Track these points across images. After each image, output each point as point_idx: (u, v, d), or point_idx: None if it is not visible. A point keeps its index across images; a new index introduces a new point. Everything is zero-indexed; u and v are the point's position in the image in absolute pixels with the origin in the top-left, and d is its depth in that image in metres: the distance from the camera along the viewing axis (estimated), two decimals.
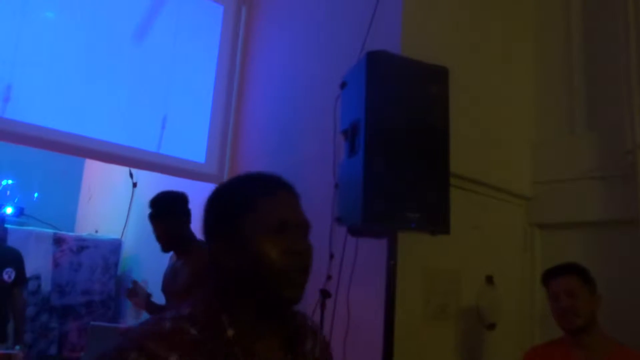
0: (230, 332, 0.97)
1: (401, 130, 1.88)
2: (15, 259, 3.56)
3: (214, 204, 1.08)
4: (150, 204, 2.83)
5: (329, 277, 2.33)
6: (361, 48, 2.38)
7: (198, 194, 3.87)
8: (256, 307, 1.00)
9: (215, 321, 0.97)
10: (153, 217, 2.82)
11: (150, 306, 2.98)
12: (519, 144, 2.97)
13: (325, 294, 2.16)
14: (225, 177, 3.47)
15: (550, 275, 2.11)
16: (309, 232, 1.07)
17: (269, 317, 1.02)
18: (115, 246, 4.22)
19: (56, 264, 4.04)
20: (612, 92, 2.76)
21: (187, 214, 2.83)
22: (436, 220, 1.89)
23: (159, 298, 3.00)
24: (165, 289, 2.87)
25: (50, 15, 3.02)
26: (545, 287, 2.14)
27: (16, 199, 4.83)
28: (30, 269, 3.92)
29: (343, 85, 2.10)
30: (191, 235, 2.84)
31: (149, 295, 3.00)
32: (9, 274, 3.51)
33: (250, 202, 1.02)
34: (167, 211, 2.80)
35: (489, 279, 2.64)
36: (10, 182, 4.87)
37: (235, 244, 1.00)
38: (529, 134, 3.03)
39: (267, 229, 1.00)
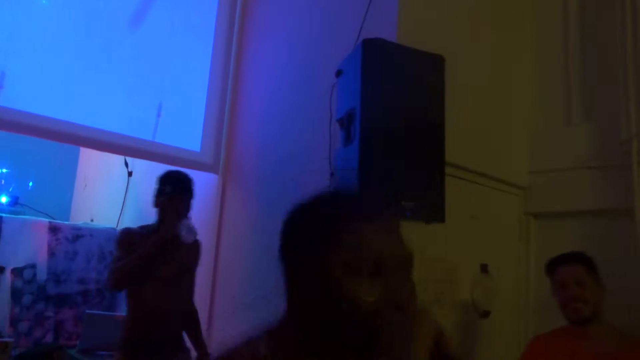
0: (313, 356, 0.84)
1: (397, 118, 1.87)
2: None
3: (292, 223, 0.90)
4: (181, 177, 2.76)
5: None
6: (357, 36, 2.37)
7: (194, 183, 3.87)
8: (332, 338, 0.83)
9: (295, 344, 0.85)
10: (184, 191, 2.75)
11: None
12: (515, 134, 2.97)
13: None
14: (221, 166, 3.46)
15: (556, 264, 2.07)
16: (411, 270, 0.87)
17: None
18: (110, 235, 4.21)
19: (51, 253, 4.03)
20: (608, 82, 2.75)
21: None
22: (431, 209, 1.89)
23: None
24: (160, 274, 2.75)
25: (45, 2, 2.99)
26: (550, 275, 2.09)
27: (11, 188, 4.82)
28: (25, 257, 3.91)
29: (339, 74, 2.09)
30: None
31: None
32: None
33: (332, 234, 0.82)
34: (190, 191, 2.78)
35: (484, 268, 2.64)
36: (4, 170, 4.85)
37: (311, 273, 0.83)
38: (525, 124, 3.02)
39: (355, 269, 0.80)
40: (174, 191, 2.72)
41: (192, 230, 2.71)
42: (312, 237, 0.84)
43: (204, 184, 3.55)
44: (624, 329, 2.10)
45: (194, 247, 2.81)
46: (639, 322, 2.38)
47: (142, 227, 2.74)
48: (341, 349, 0.83)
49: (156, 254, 2.60)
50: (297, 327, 0.86)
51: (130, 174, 4.40)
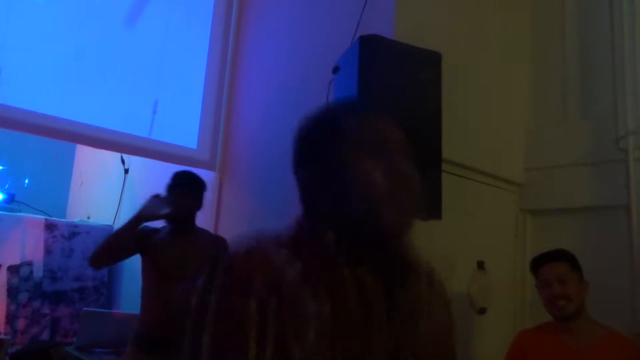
0: (340, 256, 0.85)
1: (394, 115, 1.87)
2: None
3: (302, 134, 0.98)
4: (190, 178, 2.74)
5: None
6: (354, 33, 2.37)
7: None
8: (355, 239, 0.86)
9: (320, 244, 0.86)
10: (194, 190, 2.71)
11: None
12: (511, 131, 2.97)
13: None
14: (217, 164, 3.45)
15: (540, 262, 2.12)
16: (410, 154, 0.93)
17: (370, 249, 0.87)
18: (107, 232, 4.20)
19: (48, 250, 4.02)
20: (604, 80, 2.76)
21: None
22: (428, 206, 1.89)
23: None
24: (178, 269, 2.65)
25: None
26: (534, 273, 2.14)
27: (7, 185, 4.80)
28: (21, 255, 3.90)
29: (336, 70, 2.09)
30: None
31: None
32: None
33: (342, 123, 0.91)
34: (201, 188, 2.73)
35: (480, 265, 2.65)
36: (0, 168, 4.83)
37: (328, 169, 0.89)
38: (521, 121, 3.03)
39: (363, 146, 0.87)
40: (187, 189, 2.70)
41: (160, 204, 2.68)
42: (323, 138, 0.91)
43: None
44: (615, 323, 2.12)
45: (216, 245, 2.68)
46: (634, 317, 2.40)
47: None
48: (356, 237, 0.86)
49: (129, 232, 2.61)
50: (313, 221, 0.90)
51: (126, 171, 4.39)
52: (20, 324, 3.84)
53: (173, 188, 2.71)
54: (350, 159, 0.86)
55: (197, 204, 2.73)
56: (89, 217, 4.72)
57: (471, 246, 2.65)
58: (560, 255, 2.09)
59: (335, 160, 0.88)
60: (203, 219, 3.46)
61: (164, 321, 2.56)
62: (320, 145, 0.91)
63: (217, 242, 2.71)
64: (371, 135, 0.89)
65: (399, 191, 0.85)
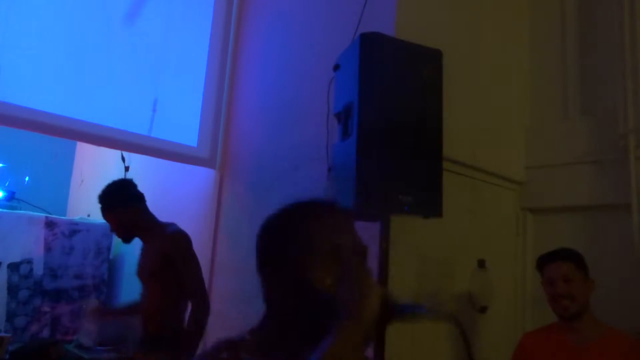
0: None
1: (394, 113, 1.87)
2: None
3: (264, 233, 1.07)
4: (98, 200, 2.77)
5: None
6: (355, 30, 2.36)
7: (190, 178, 3.87)
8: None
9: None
10: (104, 211, 2.75)
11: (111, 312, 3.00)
12: (512, 129, 2.97)
13: None
14: (218, 161, 3.45)
15: (545, 261, 2.12)
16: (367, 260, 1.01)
17: None
18: (107, 230, 4.17)
19: (48, 248, 4.02)
20: (605, 77, 2.75)
21: (138, 198, 2.78)
22: (429, 203, 1.89)
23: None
24: (139, 275, 2.85)
25: None
26: (539, 272, 2.14)
27: (7, 183, 4.79)
28: (22, 252, 3.90)
29: (336, 68, 2.08)
30: (150, 217, 2.80)
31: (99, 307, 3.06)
32: None
33: (297, 228, 1.00)
34: (116, 200, 2.73)
35: (481, 263, 2.65)
36: (0, 165, 4.83)
37: (286, 273, 0.98)
38: (522, 119, 3.02)
39: (318, 255, 0.95)
40: (101, 212, 2.84)
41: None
42: (281, 244, 1.00)
43: (200, 178, 3.54)
44: (617, 322, 2.12)
45: (165, 243, 2.72)
46: (636, 315, 2.39)
47: None
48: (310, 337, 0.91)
49: None
50: (275, 326, 0.99)
51: (127, 168, 4.38)
52: (21, 321, 3.84)
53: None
54: (300, 266, 0.94)
55: (114, 220, 2.77)
56: (89, 215, 4.71)
57: (472, 244, 2.64)
58: (565, 255, 2.09)
59: (289, 267, 0.96)
60: (203, 217, 3.47)
61: (142, 321, 2.78)
62: (279, 251, 0.99)
63: (169, 239, 2.72)
64: (320, 243, 0.96)
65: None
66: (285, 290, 0.97)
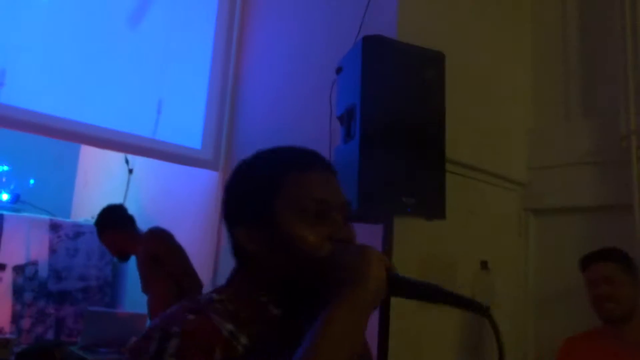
0: (274, 311, 0.88)
1: (397, 115, 1.88)
2: None
3: (235, 186, 0.95)
4: (94, 225, 3.04)
5: None
6: (357, 32, 2.37)
7: (194, 181, 3.88)
8: (294, 294, 0.88)
9: (256, 301, 0.88)
10: (98, 236, 3.01)
11: None
12: (514, 130, 2.97)
13: None
14: (221, 164, 3.46)
15: (588, 261, 2.02)
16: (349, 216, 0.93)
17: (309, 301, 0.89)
18: None
19: (52, 250, 4.04)
20: (607, 79, 2.76)
21: (124, 220, 3.02)
22: (432, 205, 1.90)
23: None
24: (142, 290, 3.03)
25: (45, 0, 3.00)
26: (582, 272, 2.04)
27: (12, 186, 4.81)
28: (26, 255, 3.92)
29: (339, 70, 2.10)
30: (138, 235, 3.00)
31: None
32: None
33: (278, 181, 0.89)
34: (104, 225, 2.99)
35: (484, 264, 2.65)
36: (5, 168, 4.85)
37: (263, 231, 0.88)
38: (524, 120, 3.03)
39: (301, 212, 0.87)
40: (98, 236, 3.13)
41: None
42: (259, 191, 0.90)
43: (204, 181, 3.55)
44: None
45: (148, 240, 2.92)
46: None
47: None
48: (295, 295, 0.88)
49: None
50: (251, 283, 0.91)
51: (130, 171, 4.40)
52: (25, 323, 3.86)
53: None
54: (285, 224, 0.87)
55: (106, 242, 3.05)
56: (93, 217, 4.74)
57: (474, 246, 2.65)
58: (607, 255, 1.99)
59: (269, 224, 0.88)
60: (207, 219, 3.48)
61: None
62: (252, 205, 0.91)
63: (147, 240, 2.93)
64: (310, 199, 0.88)
65: (331, 245, 0.86)
66: (263, 247, 0.89)
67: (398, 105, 1.89)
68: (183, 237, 3.08)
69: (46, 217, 4.22)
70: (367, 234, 2.22)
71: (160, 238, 2.88)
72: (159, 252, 2.83)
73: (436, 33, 2.38)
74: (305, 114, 2.83)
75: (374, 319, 1.92)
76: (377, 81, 1.87)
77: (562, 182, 2.81)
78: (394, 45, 1.98)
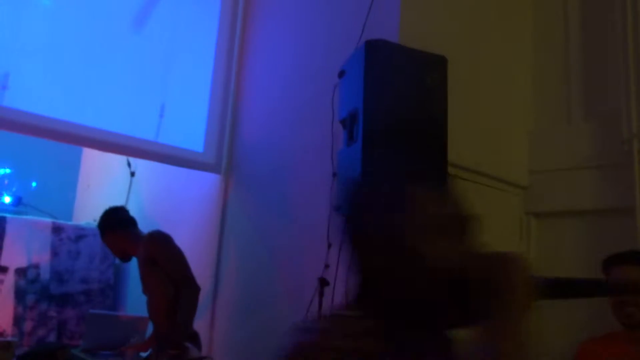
0: (402, 332, 0.85)
1: (400, 119, 1.89)
2: None
3: (365, 204, 0.93)
4: (97, 226, 3.09)
5: (326, 266, 2.35)
6: (359, 36, 2.38)
7: (195, 184, 3.89)
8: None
9: (387, 321, 0.86)
10: (102, 235, 3.05)
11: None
12: (515, 133, 2.98)
13: (323, 282, 2.17)
14: (223, 167, 3.47)
15: (611, 263, 1.98)
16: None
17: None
18: None
19: (55, 253, 4.04)
20: (608, 82, 2.76)
21: (125, 222, 3.05)
22: None
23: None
24: (142, 291, 3.06)
25: (49, 3, 3.01)
26: (604, 274, 1.99)
27: (14, 188, 4.82)
28: (28, 257, 3.93)
29: (341, 74, 2.11)
30: (139, 236, 3.02)
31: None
32: None
33: (403, 198, 0.89)
34: (105, 227, 3.03)
35: None
36: (7, 171, 4.86)
37: (393, 247, 0.86)
38: (525, 123, 3.03)
39: (430, 228, 0.86)
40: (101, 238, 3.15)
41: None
42: (387, 208, 0.87)
43: (206, 184, 3.56)
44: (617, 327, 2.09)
45: (147, 242, 2.94)
46: None
47: None
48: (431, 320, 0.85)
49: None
50: (382, 302, 0.87)
51: (132, 174, 4.41)
52: (27, 326, 3.86)
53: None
54: (416, 237, 0.85)
55: (107, 243, 3.10)
56: (95, 220, 4.74)
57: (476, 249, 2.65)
58: (633, 258, 1.95)
59: (400, 236, 0.85)
60: (208, 222, 3.49)
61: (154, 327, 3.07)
62: (381, 219, 0.88)
63: (146, 243, 2.94)
64: (439, 212, 0.88)
65: (470, 263, 0.86)
66: (390, 267, 0.85)
67: (400, 109, 1.90)
68: (184, 240, 3.09)
69: (48, 219, 4.23)
70: None
71: (159, 241, 2.91)
72: (157, 254, 2.87)
73: (438, 37, 2.39)
74: (307, 117, 2.84)
75: None
76: (379, 85, 1.88)
77: (563, 185, 2.81)
78: (397, 49, 1.99)
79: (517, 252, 0.85)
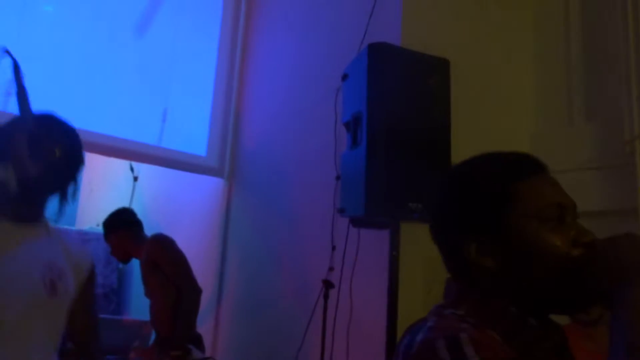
0: (532, 321, 0.83)
1: (403, 121, 1.90)
2: None
3: (458, 198, 0.89)
4: (103, 224, 3.10)
5: (331, 269, 2.35)
6: (361, 39, 2.39)
7: (199, 188, 3.89)
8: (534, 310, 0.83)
9: (508, 314, 0.82)
10: (107, 234, 3.05)
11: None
12: (518, 135, 2.98)
13: (328, 285, 2.18)
14: (226, 171, 3.48)
15: None
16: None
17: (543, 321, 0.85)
18: None
19: None
20: (610, 83, 2.76)
21: (129, 223, 3.06)
22: None
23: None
24: (145, 293, 3.07)
25: (51, 9, 3.02)
26: None
27: None
28: None
29: (344, 77, 2.11)
30: (142, 239, 3.02)
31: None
32: None
33: (511, 189, 0.84)
34: (108, 227, 3.04)
35: None
36: None
37: (499, 244, 0.83)
38: (527, 125, 3.04)
39: (542, 220, 0.82)
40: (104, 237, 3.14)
41: None
42: (491, 202, 0.84)
43: (209, 188, 3.57)
44: None
45: (150, 245, 2.94)
46: None
47: None
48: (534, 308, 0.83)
49: None
50: (492, 300, 0.84)
51: (135, 178, 4.42)
52: None
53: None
54: (526, 232, 0.82)
55: (110, 243, 3.08)
56: (98, 225, 4.75)
57: None
58: None
59: (506, 234, 0.83)
60: (212, 226, 3.49)
61: (155, 331, 3.07)
62: (484, 215, 0.85)
63: (149, 246, 2.94)
64: (550, 202, 0.84)
65: (589, 252, 0.84)
66: (502, 261, 0.82)
67: (404, 112, 1.91)
68: (188, 244, 3.09)
69: (52, 225, 4.23)
70: (374, 239, 2.24)
71: (161, 244, 2.92)
72: (159, 257, 2.89)
73: (439, 40, 2.40)
74: (310, 120, 2.84)
75: (381, 326, 1.93)
76: (383, 88, 1.89)
77: (566, 187, 2.78)
78: (399, 53, 2.00)
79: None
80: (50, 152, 1.45)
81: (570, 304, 0.84)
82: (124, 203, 4.43)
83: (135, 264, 4.26)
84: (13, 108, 2.77)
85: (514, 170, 0.86)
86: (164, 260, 2.87)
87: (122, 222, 3.05)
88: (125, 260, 3.12)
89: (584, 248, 0.83)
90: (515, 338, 0.80)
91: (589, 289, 0.80)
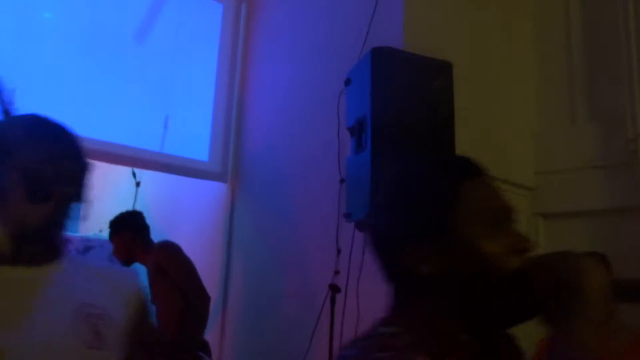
0: (463, 337, 0.79)
1: (407, 125, 1.90)
2: None
3: (397, 202, 0.84)
4: (110, 223, 3.10)
5: (337, 272, 2.35)
6: (363, 43, 2.39)
7: (202, 193, 3.89)
8: (476, 317, 0.80)
9: (444, 330, 0.79)
10: (113, 233, 3.06)
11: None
12: (521, 135, 2.99)
13: (334, 289, 2.18)
14: (229, 175, 3.48)
15: None
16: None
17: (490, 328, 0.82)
18: None
19: None
20: (613, 81, 2.77)
21: (134, 227, 3.06)
22: None
23: None
24: (151, 301, 3.03)
25: (52, 17, 3.03)
26: None
27: None
28: None
29: (347, 82, 2.12)
30: (148, 244, 3.02)
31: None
32: None
33: (454, 192, 0.80)
34: (112, 229, 3.06)
35: None
36: None
37: (439, 249, 0.78)
38: (530, 125, 3.04)
39: (483, 224, 0.78)
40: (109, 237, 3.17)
41: None
42: (432, 205, 0.80)
43: (212, 193, 3.57)
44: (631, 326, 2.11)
45: (156, 252, 2.94)
46: None
47: None
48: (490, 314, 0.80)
49: None
50: (431, 310, 0.81)
51: (138, 184, 4.42)
52: None
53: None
54: (468, 237, 0.78)
55: (113, 245, 3.11)
56: (101, 231, 4.75)
57: None
58: None
59: (450, 238, 0.79)
60: (216, 230, 3.49)
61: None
62: (428, 218, 0.80)
63: (155, 253, 2.94)
64: (488, 207, 0.81)
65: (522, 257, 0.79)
66: (442, 267, 0.78)
67: (408, 115, 1.91)
68: (192, 249, 3.09)
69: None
70: None
71: (169, 251, 2.91)
72: (165, 265, 2.87)
73: (441, 42, 2.40)
74: (313, 124, 2.85)
75: None
76: (386, 92, 1.89)
77: (570, 185, 2.82)
78: (402, 56, 2.01)
79: (594, 251, 0.81)
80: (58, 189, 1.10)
81: (506, 316, 0.80)
82: (127, 209, 4.44)
83: (140, 269, 4.27)
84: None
85: (457, 172, 0.83)
86: (172, 267, 2.86)
87: (128, 223, 3.05)
88: (127, 262, 3.08)
89: (520, 255, 0.78)
90: (449, 357, 0.77)
91: (525, 300, 0.77)
